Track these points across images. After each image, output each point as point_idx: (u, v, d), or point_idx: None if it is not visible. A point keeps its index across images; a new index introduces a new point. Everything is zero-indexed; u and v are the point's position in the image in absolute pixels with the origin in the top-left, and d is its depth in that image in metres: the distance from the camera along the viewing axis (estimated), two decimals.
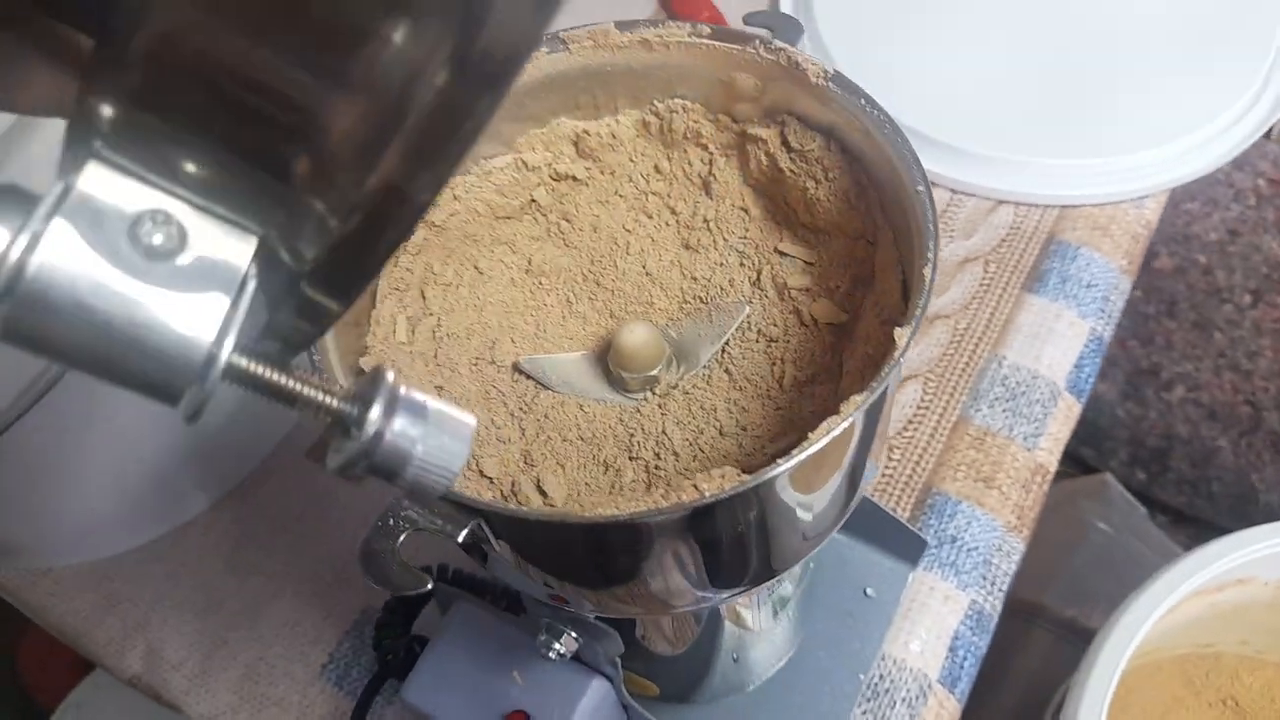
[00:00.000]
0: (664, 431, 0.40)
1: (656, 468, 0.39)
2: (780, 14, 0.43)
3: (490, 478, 0.39)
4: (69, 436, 0.57)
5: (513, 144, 0.44)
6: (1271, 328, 1.05)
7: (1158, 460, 1.21)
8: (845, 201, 0.41)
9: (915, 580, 0.58)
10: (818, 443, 0.31)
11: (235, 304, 0.20)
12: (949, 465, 0.62)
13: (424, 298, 0.42)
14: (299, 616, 0.61)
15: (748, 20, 0.43)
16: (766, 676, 0.55)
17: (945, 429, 0.64)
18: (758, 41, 0.41)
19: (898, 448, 0.63)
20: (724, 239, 0.44)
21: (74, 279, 0.19)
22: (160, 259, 0.19)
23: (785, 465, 0.30)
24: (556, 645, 0.43)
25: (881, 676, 0.55)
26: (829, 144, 0.41)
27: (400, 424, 0.22)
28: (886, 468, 0.63)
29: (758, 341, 0.42)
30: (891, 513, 0.57)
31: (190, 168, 0.20)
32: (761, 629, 0.53)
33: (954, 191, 0.73)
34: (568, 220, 0.45)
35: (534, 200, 0.45)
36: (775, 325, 0.42)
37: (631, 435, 0.40)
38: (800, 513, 0.36)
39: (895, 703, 0.55)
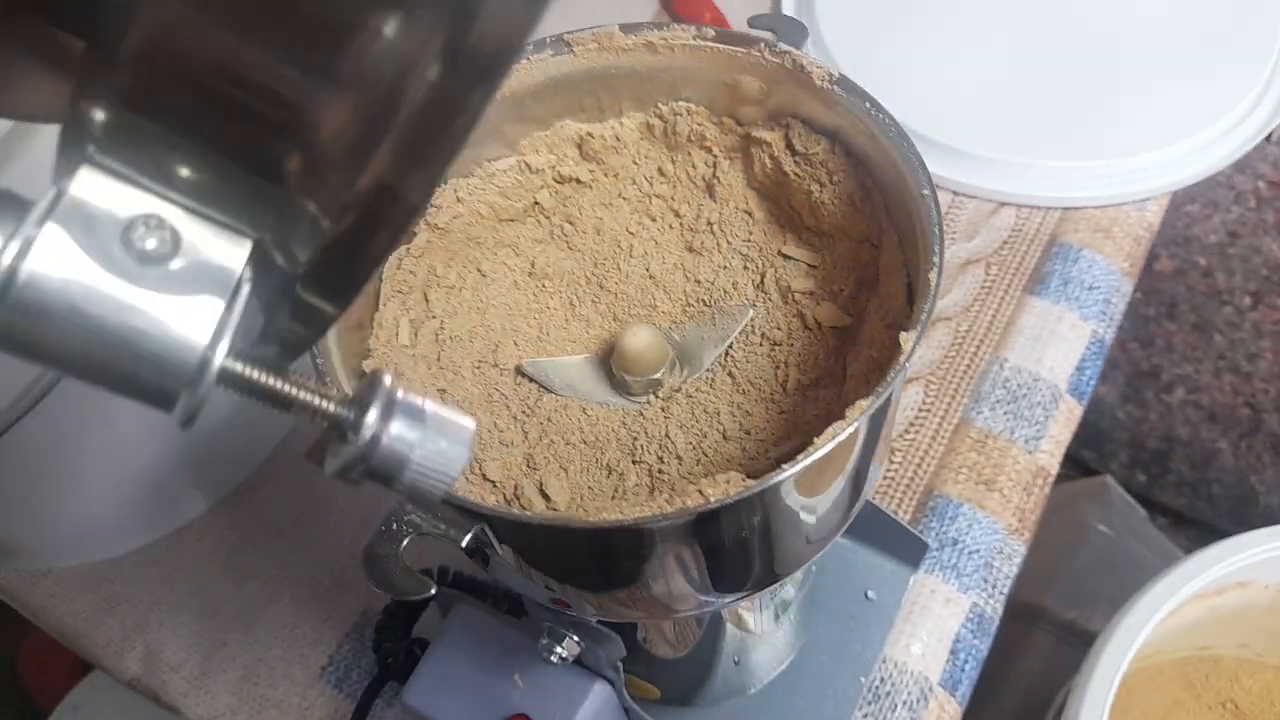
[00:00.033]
0: (667, 435, 0.40)
1: (660, 471, 0.39)
2: (785, 17, 0.43)
3: (493, 481, 0.39)
4: (68, 439, 0.57)
5: (516, 146, 0.44)
6: (1271, 330, 1.05)
7: (1158, 462, 1.21)
8: (850, 205, 0.41)
9: (916, 583, 0.58)
10: (823, 448, 0.31)
11: (229, 308, 0.20)
12: (950, 468, 0.62)
13: (427, 300, 0.42)
14: (298, 619, 0.61)
15: (752, 23, 0.42)
16: (768, 679, 0.55)
17: (947, 431, 0.64)
18: (762, 45, 0.41)
19: (899, 450, 0.63)
20: (728, 242, 0.44)
21: (66, 284, 0.18)
22: (153, 263, 0.19)
23: (791, 470, 0.30)
24: (558, 649, 0.42)
25: (883, 679, 0.55)
26: (834, 147, 0.41)
27: (397, 428, 0.22)
28: (888, 470, 0.62)
29: (761, 345, 0.42)
30: (893, 515, 0.57)
31: (183, 171, 0.20)
32: (763, 632, 0.53)
33: (956, 193, 0.73)
34: (571, 223, 0.45)
35: (537, 203, 0.45)
36: (779, 328, 0.42)
37: (635, 439, 0.40)
38: (804, 517, 0.36)
39: (896, 706, 0.55)
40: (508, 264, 0.44)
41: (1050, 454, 0.63)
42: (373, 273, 0.21)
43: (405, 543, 0.32)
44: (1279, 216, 0.97)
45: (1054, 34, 0.77)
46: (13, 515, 0.61)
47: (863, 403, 0.32)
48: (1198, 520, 1.22)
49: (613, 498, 0.38)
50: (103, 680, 0.79)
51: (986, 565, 0.59)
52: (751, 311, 0.42)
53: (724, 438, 0.40)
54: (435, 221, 0.42)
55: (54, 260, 0.18)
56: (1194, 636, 0.76)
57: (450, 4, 0.18)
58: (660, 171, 0.45)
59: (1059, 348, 0.66)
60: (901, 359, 0.32)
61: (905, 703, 0.55)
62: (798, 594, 0.54)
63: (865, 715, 0.54)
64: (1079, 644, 0.83)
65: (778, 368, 0.41)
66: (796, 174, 0.42)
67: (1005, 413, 0.64)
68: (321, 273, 0.21)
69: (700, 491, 0.31)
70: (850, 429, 0.31)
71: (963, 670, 0.56)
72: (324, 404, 0.23)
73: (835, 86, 0.39)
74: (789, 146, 0.42)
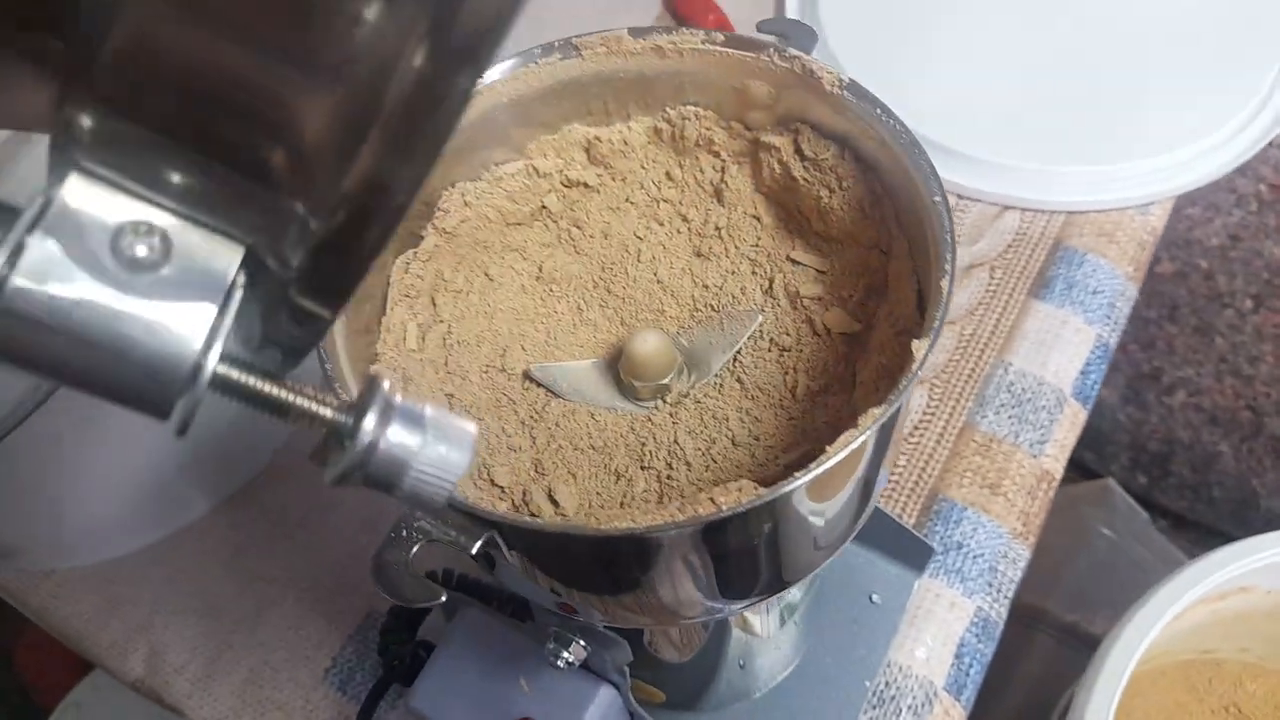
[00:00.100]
0: (676, 441, 0.40)
1: (669, 478, 0.39)
2: (794, 21, 0.43)
3: (501, 486, 0.38)
4: (71, 439, 0.57)
5: (524, 150, 0.44)
6: (1273, 333, 1.05)
7: (1159, 465, 1.21)
8: (859, 211, 0.41)
9: (921, 587, 0.58)
10: (836, 456, 0.31)
11: (222, 314, 0.20)
12: (955, 471, 0.62)
13: (434, 304, 0.42)
14: (302, 621, 0.60)
15: (761, 27, 0.42)
16: (772, 684, 0.55)
17: (951, 435, 0.64)
18: (772, 49, 0.40)
19: (903, 453, 0.63)
20: (736, 247, 0.44)
21: (54, 293, 0.18)
22: (144, 270, 0.19)
23: (803, 479, 0.30)
24: (565, 654, 0.42)
25: (887, 684, 0.55)
26: (843, 152, 0.41)
27: (396, 433, 0.22)
28: (892, 474, 0.62)
29: (770, 350, 0.42)
30: (897, 519, 0.57)
31: (173, 176, 0.20)
32: (769, 636, 0.53)
33: (960, 197, 0.73)
34: (579, 227, 0.45)
35: (545, 207, 0.44)
36: (788, 334, 0.42)
37: (643, 444, 0.40)
38: (814, 525, 0.36)
39: (901, 710, 0.55)
40: (515, 268, 0.44)
41: (1054, 458, 0.63)
42: (364, 274, 0.21)
43: (415, 549, 0.32)
44: None
45: (1057, 39, 0.77)
46: (16, 516, 0.60)
47: (875, 411, 0.31)
48: (1199, 523, 1.22)
49: (621, 504, 0.38)
50: (103, 679, 0.79)
51: (991, 569, 0.59)
52: (760, 317, 0.42)
53: (733, 444, 0.39)
54: (443, 225, 0.42)
55: (41, 269, 0.18)
56: (1196, 640, 0.76)
57: None
58: (668, 176, 0.45)
59: (1063, 352, 0.66)
60: (914, 367, 0.32)
61: (910, 707, 0.55)
62: (804, 598, 0.54)
63: (870, 719, 0.54)
64: (1081, 647, 0.83)
65: (786, 373, 0.41)
66: (805, 179, 0.42)
67: (1010, 417, 0.64)
68: (314, 276, 0.21)
69: (712, 500, 0.31)
70: (863, 437, 0.31)
71: (967, 674, 0.56)
72: (321, 410, 0.22)
73: (845, 92, 0.39)
74: (798, 152, 0.42)
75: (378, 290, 0.41)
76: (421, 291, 0.42)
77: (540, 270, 0.44)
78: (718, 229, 0.44)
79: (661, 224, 0.45)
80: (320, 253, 0.21)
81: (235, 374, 0.21)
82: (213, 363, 0.20)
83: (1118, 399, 1.19)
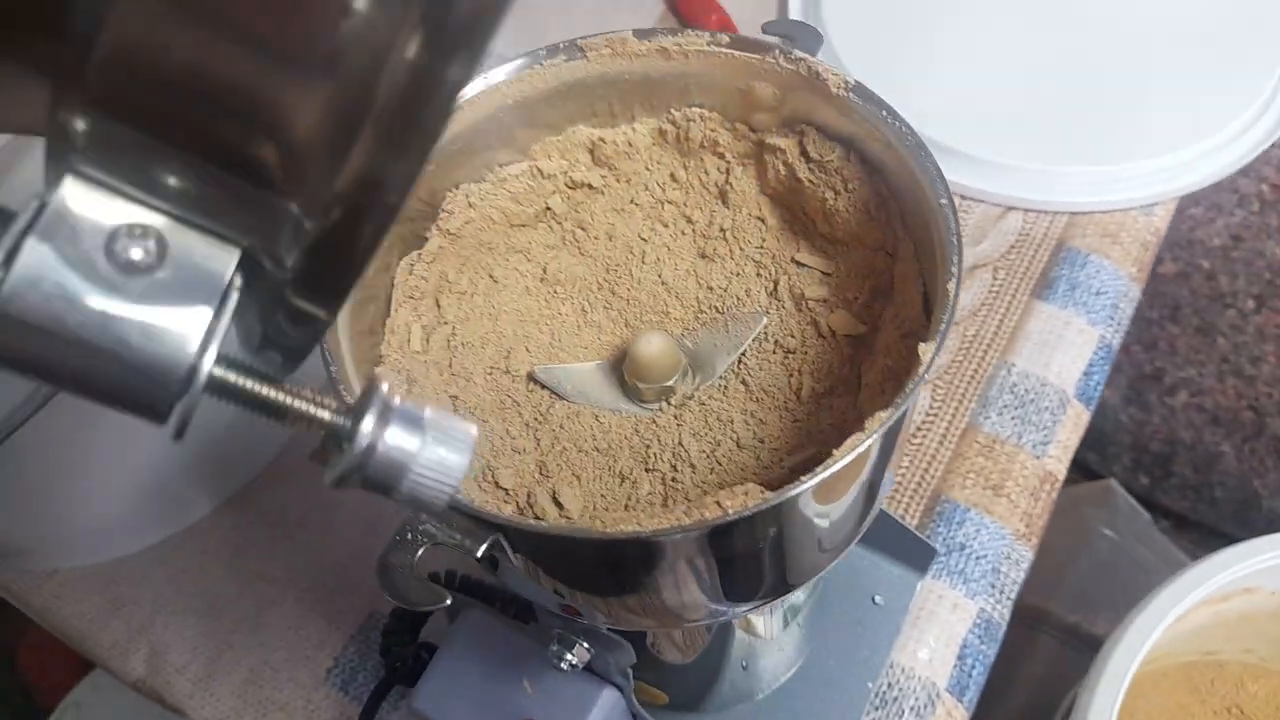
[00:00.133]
0: (680, 443, 0.40)
1: (673, 480, 0.39)
2: (800, 23, 0.42)
3: (506, 489, 0.38)
4: (74, 440, 0.57)
5: (528, 151, 0.44)
6: (1275, 333, 1.05)
7: (1161, 465, 1.21)
8: (865, 213, 0.41)
9: (924, 588, 0.58)
10: (842, 460, 0.30)
11: (217, 316, 0.20)
12: (958, 473, 0.62)
13: (439, 306, 0.42)
14: (303, 621, 0.60)
15: (767, 29, 0.42)
16: (775, 685, 0.55)
17: (954, 436, 0.63)
18: (777, 51, 0.40)
19: (906, 455, 0.63)
20: (740, 248, 0.44)
21: (48, 297, 0.18)
22: (139, 273, 0.19)
23: (810, 482, 0.30)
24: (569, 656, 0.42)
25: (890, 685, 0.55)
26: (849, 155, 0.41)
27: (394, 435, 0.22)
28: (895, 476, 0.62)
29: (775, 352, 0.42)
30: (900, 520, 0.57)
31: (167, 178, 0.20)
32: (772, 637, 0.53)
33: (963, 197, 0.73)
34: (583, 228, 0.45)
35: (549, 208, 0.44)
36: (792, 336, 0.42)
37: (647, 446, 0.40)
38: (820, 528, 0.36)
39: (904, 711, 0.55)
40: (519, 269, 0.44)
41: (1058, 459, 0.63)
42: (359, 275, 0.21)
43: (420, 553, 0.32)
44: None
45: (1061, 39, 0.77)
46: (18, 516, 0.60)
47: (882, 414, 0.31)
48: (1200, 523, 1.22)
49: (626, 506, 0.38)
50: (104, 679, 0.79)
51: (994, 571, 0.59)
52: (765, 319, 0.42)
53: (738, 446, 0.39)
54: (447, 227, 0.42)
55: (36, 273, 0.18)
56: (1199, 641, 0.76)
57: None
58: (673, 177, 0.45)
59: (1066, 353, 0.66)
60: (921, 370, 0.32)
61: (913, 708, 0.55)
62: (807, 599, 0.54)
63: None
64: (1083, 648, 0.83)
65: (791, 376, 0.41)
66: (811, 181, 0.42)
67: (1013, 418, 0.64)
68: (309, 277, 0.21)
69: (719, 503, 0.31)
70: (869, 441, 0.31)
71: (970, 676, 0.56)
72: (319, 412, 0.22)
73: (851, 94, 0.39)
74: (803, 153, 0.42)
75: (382, 292, 0.41)
76: (426, 293, 0.42)
77: (544, 272, 0.44)
78: (722, 231, 0.44)
79: (666, 225, 0.45)
80: (315, 253, 0.20)
81: (232, 377, 0.21)
82: (208, 365, 0.20)
83: (1120, 399, 1.19)
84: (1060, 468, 0.63)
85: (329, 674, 0.58)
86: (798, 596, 0.52)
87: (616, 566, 0.35)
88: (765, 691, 0.55)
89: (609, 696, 0.46)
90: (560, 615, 0.41)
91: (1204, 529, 1.22)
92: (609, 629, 0.42)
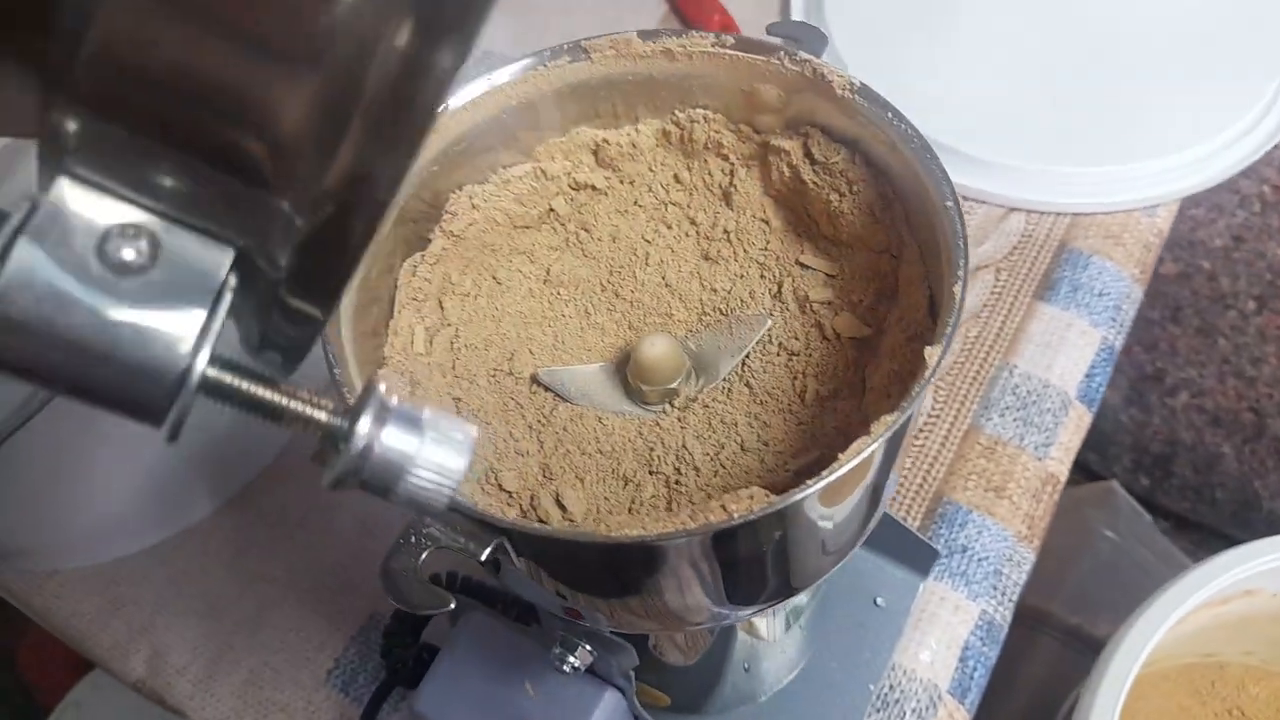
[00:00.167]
0: (684, 445, 0.40)
1: (677, 483, 0.39)
2: (805, 24, 0.42)
3: (509, 491, 0.38)
4: (74, 441, 0.57)
5: (532, 153, 0.44)
6: (1276, 334, 1.04)
7: (1161, 466, 1.21)
8: (869, 215, 0.41)
9: (926, 590, 0.58)
10: (848, 463, 0.30)
11: (211, 317, 0.20)
12: (960, 474, 0.62)
13: (442, 308, 0.42)
14: (304, 622, 0.60)
15: (771, 30, 0.42)
16: (778, 687, 0.55)
17: (956, 438, 0.63)
18: (782, 52, 0.40)
19: (908, 456, 0.63)
20: (744, 250, 0.44)
21: (40, 298, 0.18)
22: (131, 274, 0.19)
23: (815, 486, 0.30)
24: (571, 659, 0.42)
25: (892, 687, 0.55)
26: (853, 156, 0.41)
27: (392, 436, 0.22)
28: (897, 477, 0.62)
29: (779, 355, 0.42)
30: (902, 522, 0.57)
31: (159, 178, 0.19)
32: (774, 639, 0.52)
33: (965, 198, 0.73)
34: (586, 230, 0.44)
35: (553, 210, 0.44)
36: (797, 338, 0.42)
37: (651, 449, 0.40)
38: (824, 531, 0.36)
39: (905, 713, 0.54)
40: (523, 271, 0.44)
41: (1060, 461, 0.63)
42: (352, 272, 0.20)
43: (424, 556, 0.32)
44: None
45: (1064, 40, 0.77)
46: (19, 516, 0.60)
47: (888, 418, 0.31)
48: (1201, 524, 1.22)
49: (629, 509, 0.38)
50: (103, 678, 0.79)
51: (996, 572, 0.59)
52: (769, 321, 0.42)
53: (742, 449, 0.39)
54: (450, 228, 0.42)
55: (28, 274, 0.18)
56: (1200, 643, 0.76)
57: None
58: (676, 179, 0.45)
59: (1068, 354, 0.66)
60: (927, 374, 0.32)
61: (914, 710, 0.55)
62: (809, 602, 0.53)
63: None
64: (1084, 649, 0.83)
65: (795, 378, 0.41)
66: (815, 183, 0.42)
67: (1015, 419, 0.63)
68: (303, 275, 0.21)
69: (724, 507, 0.31)
70: (875, 445, 0.31)
71: (971, 678, 0.56)
72: (315, 413, 0.22)
73: (856, 96, 0.39)
74: (808, 155, 0.42)
75: (385, 294, 0.41)
76: (429, 295, 0.41)
77: (548, 273, 0.44)
78: (726, 232, 0.44)
79: (670, 227, 0.45)
80: (307, 251, 0.20)
81: (227, 378, 0.21)
82: (202, 366, 0.20)
83: (1120, 400, 1.18)
84: (1062, 469, 0.63)
85: (330, 675, 0.58)
86: (800, 599, 0.52)
87: (620, 570, 0.35)
88: (767, 693, 0.55)
89: (611, 699, 0.46)
90: (563, 618, 0.41)
91: (1204, 530, 1.22)
92: (611, 631, 0.42)
